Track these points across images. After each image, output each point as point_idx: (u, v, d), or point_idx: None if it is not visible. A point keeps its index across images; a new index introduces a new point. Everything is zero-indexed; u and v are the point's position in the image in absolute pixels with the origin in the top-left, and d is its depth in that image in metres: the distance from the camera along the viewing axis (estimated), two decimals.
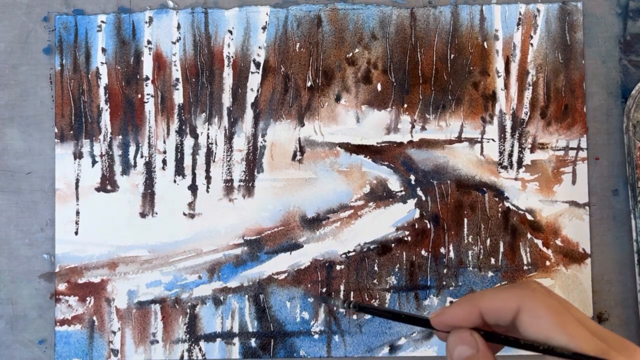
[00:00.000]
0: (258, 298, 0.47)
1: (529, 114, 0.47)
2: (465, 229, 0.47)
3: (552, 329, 0.28)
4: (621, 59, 0.47)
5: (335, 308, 0.46)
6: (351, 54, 0.48)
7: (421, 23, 0.48)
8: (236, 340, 0.47)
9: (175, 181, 0.48)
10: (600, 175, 0.47)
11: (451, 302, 0.46)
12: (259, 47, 0.48)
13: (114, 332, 0.47)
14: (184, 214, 0.47)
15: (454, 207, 0.47)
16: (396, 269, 0.47)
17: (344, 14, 0.48)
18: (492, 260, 0.46)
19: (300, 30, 0.48)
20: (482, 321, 0.31)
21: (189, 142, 0.48)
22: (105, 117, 0.48)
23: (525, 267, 0.46)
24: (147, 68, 0.48)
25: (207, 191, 0.48)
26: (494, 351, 0.33)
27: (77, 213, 0.48)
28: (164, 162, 0.48)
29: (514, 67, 0.47)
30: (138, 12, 0.48)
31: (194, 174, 0.48)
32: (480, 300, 0.31)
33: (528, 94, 0.47)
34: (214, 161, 0.48)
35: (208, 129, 0.48)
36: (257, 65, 0.48)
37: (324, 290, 0.47)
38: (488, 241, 0.47)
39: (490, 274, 0.46)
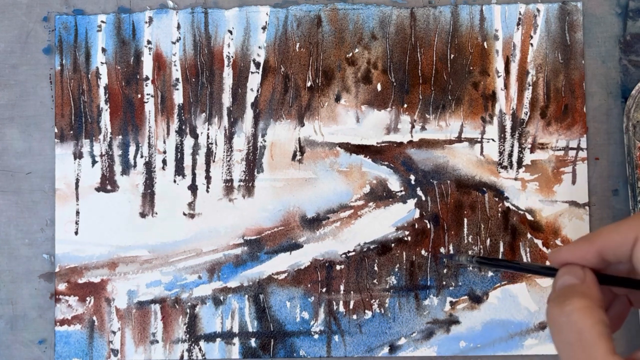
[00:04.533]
0: (258, 298, 0.47)
1: (529, 114, 0.47)
2: (465, 229, 0.47)
3: None
4: (621, 59, 0.47)
5: (459, 264, 0.45)
6: (351, 54, 0.48)
7: (421, 23, 0.48)
8: (236, 340, 0.47)
9: (175, 181, 0.48)
10: (600, 175, 0.47)
11: (451, 302, 0.46)
12: (259, 47, 0.48)
13: (114, 332, 0.47)
14: (184, 214, 0.47)
15: (454, 207, 0.47)
16: (396, 269, 0.47)
17: (344, 14, 0.48)
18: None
19: (300, 30, 0.48)
20: (600, 262, 0.29)
21: (189, 142, 0.48)
22: (105, 117, 0.48)
23: None
24: (147, 68, 0.48)
25: (207, 191, 0.48)
26: (618, 317, 0.32)
27: (77, 213, 0.48)
28: (164, 162, 0.48)
29: (514, 67, 0.47)
30: (138, 12, 0.48)
31: (194, 174, 0.48)
32: (598, 237, 0.29)
33: (528, 94, 0.47)
34: (214, 161, 0.48)
35: (208, 129, 0.48)
36: (257, 65, 0.48)
37: (323, 290, 0.47)
38: (488, 241, 0.47)
39: (490, 273, 0.46)
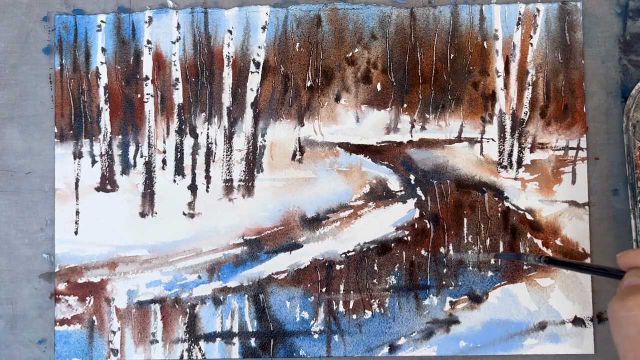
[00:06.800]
0: (258, 298, 0.47)
1: (529, 114, 0.47)
2: (465, 229, 0.47)
3: None
4: (621, 59, 0.47)
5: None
6: (351, 54, 0.48)
7: (421, 23, 0.48)
8: (236, 340, 0.47)
9: (175, 181, 0.48)
10: (600, 175, 0.47)
11: (451, 302, 0.46)
12: (259, 47, 0.48)
13: (114, 332, 0.47)
14: (184, 214, 0.47)
15: (454, 207, 0.47)
16: (396, 269, 0.47)
17: (344, 14, 0.48)
18: (492, 260, 0.46)
19: (300, 30, 0.48)
20: None
21: (189, 142, 0.48)
22: (105, 117, 0.48)
23: (525, 267, 0.46)
24: (147, 68, 0.48)
25: (207, 191, 0.48)
26: None
27: (77, 213, 0.48)
28: (164, 162, 0.48)
29: (514, 67, 0.47)
30: (138, 12, 0.48)
31: (194, 174, 0.48)
32: None
33: (528, 94, 0.47)
34: (214, 161, 0.48)
35: (208, 129, 0.48)
36: (257, 65, 0.48)
37: (323, 290, 0.47)
38: (488, 241, 0.47)
39: (490, 274, 0.46)
